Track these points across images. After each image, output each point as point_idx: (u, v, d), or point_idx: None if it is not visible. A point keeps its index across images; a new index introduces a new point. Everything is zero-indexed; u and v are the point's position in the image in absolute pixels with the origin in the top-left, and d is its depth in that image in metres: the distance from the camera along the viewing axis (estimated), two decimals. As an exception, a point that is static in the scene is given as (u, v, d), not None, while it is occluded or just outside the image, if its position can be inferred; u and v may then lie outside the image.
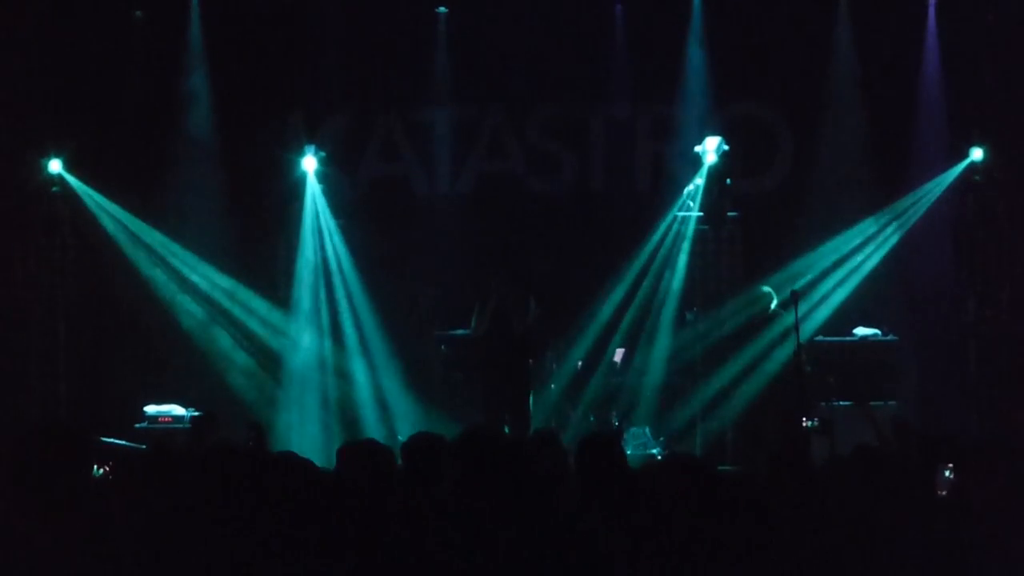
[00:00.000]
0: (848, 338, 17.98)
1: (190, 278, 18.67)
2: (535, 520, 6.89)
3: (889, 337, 18.00)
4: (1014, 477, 7.80)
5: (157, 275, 18.67)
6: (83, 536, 7.19)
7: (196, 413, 15.56)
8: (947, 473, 9.37)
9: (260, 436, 13.36)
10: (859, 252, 18.54)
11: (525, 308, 17.01)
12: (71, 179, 18.42)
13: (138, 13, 18.86)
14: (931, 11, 18.59)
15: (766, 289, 17.47)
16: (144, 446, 12.18)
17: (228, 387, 18.37)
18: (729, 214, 18.63)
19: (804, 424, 15.68)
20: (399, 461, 7.93)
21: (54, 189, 18.41)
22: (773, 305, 17.27)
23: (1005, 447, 8.20)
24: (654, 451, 17.29)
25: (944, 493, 8.90)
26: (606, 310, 18.70)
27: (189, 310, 18.67)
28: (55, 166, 18.33)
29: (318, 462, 8.08)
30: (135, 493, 7.92)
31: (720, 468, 14.15)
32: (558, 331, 18.34)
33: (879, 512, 7.64)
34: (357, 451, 8.13)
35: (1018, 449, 8.14)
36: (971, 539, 7.55)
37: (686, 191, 18.64)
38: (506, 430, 16.14)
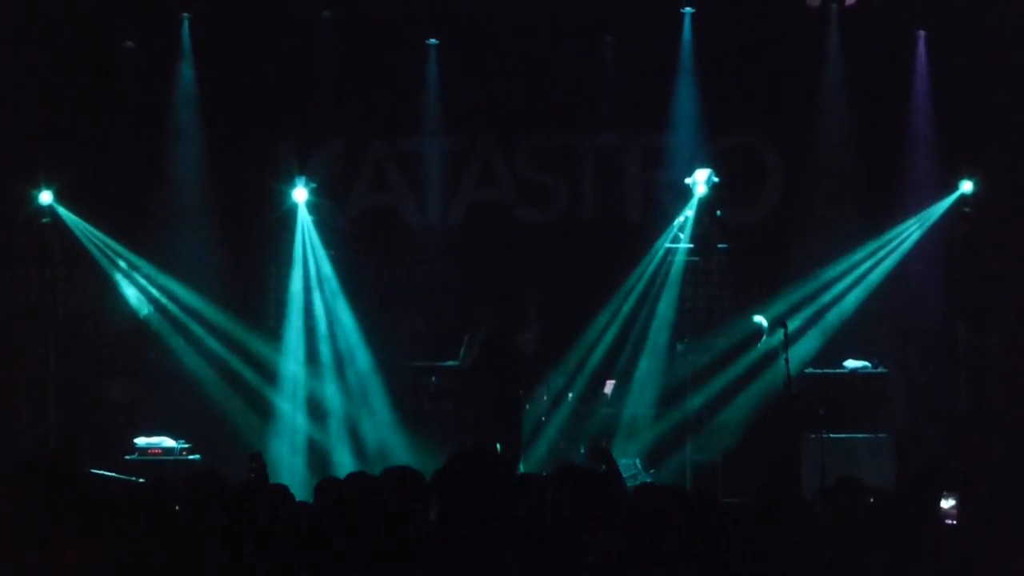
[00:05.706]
0: (838, 370, 17.92)
1: (179, 309, 18.63)
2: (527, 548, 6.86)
3: (879, 369, 17.95)
4: (1012, 505, 7.81)
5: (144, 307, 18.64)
6: (77, 568, 7.17)
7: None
8: (950, 503, 9.28)
9: (260, 467, 13.23)
10: (849, 283, 18.52)
11: (527, 326, 17.10)
12: (62, 210, 18.40)
13: (129, 44, 18.88)
14: (921, 43, 18.64)
15: (757, 320, 17.45)
16: (135, 478, 12.12)
17: (219, 419, 18.31)
18: (719, 246, 18.62)
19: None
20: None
21: (44, 220, 18.39)
22: (763, 341, 17.19)
23: (1003, 475, 8.21)
24: (645, 483, 17.24)
25: (952, 523, 8.85)
26: (596, 340, 18.68)
27: (179, 341, 18.62)
28: (46, 197, 18.30)
29: (303, 493, 8.06)
30: (130, 525, 7.89)
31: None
32: (548, 361, 18.32)
33: (869, 542, 7.64)
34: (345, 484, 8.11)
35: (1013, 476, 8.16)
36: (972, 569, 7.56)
37: (676, 223, 18.64)
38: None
